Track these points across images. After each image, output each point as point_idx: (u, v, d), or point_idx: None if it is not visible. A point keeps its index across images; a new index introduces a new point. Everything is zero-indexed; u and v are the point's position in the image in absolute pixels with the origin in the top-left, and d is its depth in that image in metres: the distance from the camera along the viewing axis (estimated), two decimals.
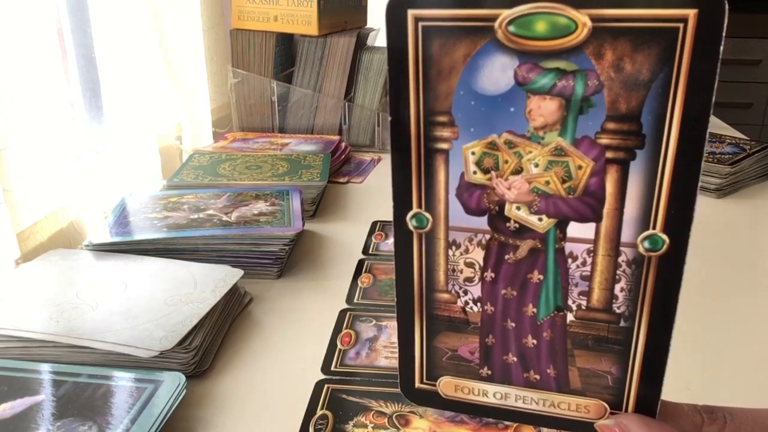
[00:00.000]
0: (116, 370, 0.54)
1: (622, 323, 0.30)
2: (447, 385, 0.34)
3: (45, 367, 0.54)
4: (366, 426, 0.50)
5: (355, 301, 0.70)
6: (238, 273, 0.68)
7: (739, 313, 0.68)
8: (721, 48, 0.25)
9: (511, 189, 0.29)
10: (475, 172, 0.29)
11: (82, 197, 0.83)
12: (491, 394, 0.33)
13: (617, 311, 0.30)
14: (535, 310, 0.31)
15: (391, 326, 0.64)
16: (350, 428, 0.50)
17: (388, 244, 0.83)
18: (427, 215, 0.31)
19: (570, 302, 0.31)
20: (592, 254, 0.29)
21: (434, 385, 0.34)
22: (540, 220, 0.29)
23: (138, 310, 0.60)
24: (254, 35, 1.23)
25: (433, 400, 0.34)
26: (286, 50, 1.27)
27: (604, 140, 0.27)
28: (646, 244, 0.28)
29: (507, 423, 0.49)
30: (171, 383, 0.51)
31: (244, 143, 1.19)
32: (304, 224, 0.81)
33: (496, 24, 0.26)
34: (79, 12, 0.99)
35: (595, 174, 0.28)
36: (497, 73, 0.27)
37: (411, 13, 0.27)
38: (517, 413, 0.33)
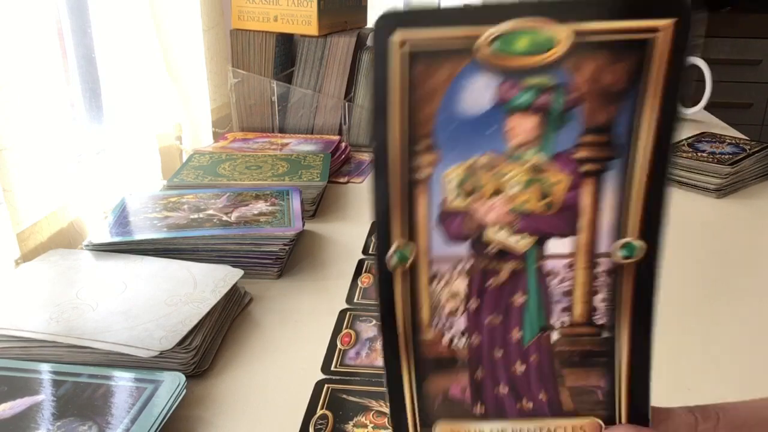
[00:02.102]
0: (116, 370, 0.54)
1: (605, 334, 0.30)
2: (443, 431, 0.33)
3: (45, 367, 0.54)
4: (366, 426, 0.50)
5: (355, 301, 0.70)
6: (238, 273, 0.68)
7: (738, 313, 0.68)
8: (690, 59, 0.25)
9: (491, 211, 0.29)
10: (457, 196, 0.29)
11: (82, 197, 0.83)
12: None
13: (598, 323, 0.30)
14: (520, 333, 0.31)
15: None
16: (350, 428, 0.50)
17: None
18: (409, 249, 0.30)
19: (554, 320, 0.31)
20: (571, 269, 0.30)
21: None
22: (519, 240, 0.29)
23: (138, 310, 0.60)
24: (254, 35, 1.23)
25: None
26: (286, 50, 1.27)
27: (582, 153, 0.27)
28: (623, 251, 0.29)
29: None
30: (171, 383, 0.51)
31: (244, 143, 1.19)
32: (304, 224, 0.81)
33: (478, 43, 0.26)
34: (79, 12, 0.98)
35: (571, 188, 0.28)
36: (478, 93, 0.27)
37: (396, 37, 0.26)
38: None
